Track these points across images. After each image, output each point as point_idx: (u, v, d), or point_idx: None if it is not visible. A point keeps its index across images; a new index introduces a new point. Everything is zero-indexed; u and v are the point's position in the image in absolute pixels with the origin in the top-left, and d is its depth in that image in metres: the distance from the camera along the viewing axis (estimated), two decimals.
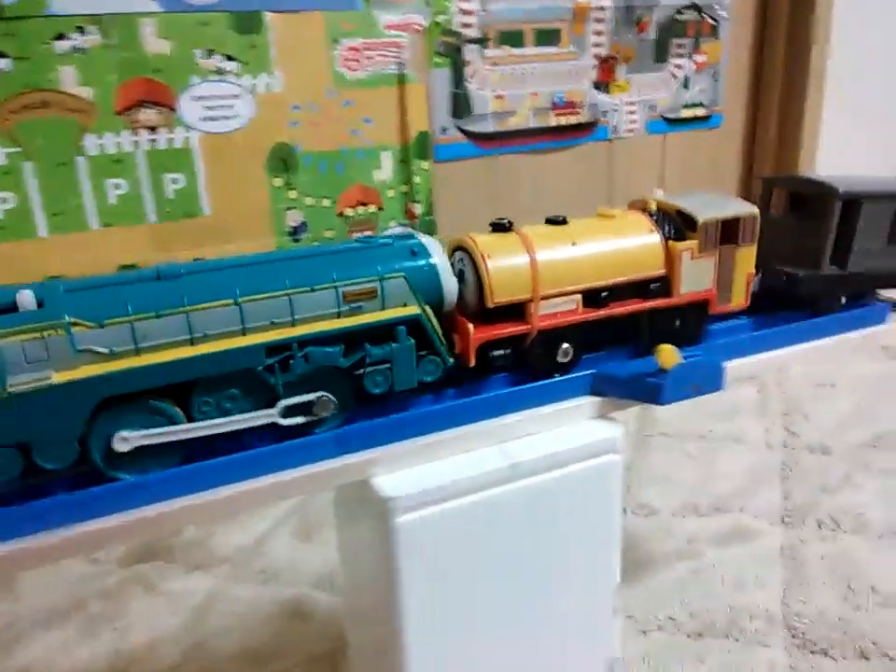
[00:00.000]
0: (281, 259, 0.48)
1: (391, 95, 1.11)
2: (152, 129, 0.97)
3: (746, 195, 1.54)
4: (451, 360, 0.51)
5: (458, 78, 1.16)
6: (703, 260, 0.58)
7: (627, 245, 0.56)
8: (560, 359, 0.54)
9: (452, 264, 0.52)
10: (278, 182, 1.05)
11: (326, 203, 1.10)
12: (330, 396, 0.48)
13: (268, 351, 0.45)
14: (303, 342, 0.46)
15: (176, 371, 0.43)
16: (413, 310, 0.49)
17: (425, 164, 1.15)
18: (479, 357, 0.52)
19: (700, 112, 1.44)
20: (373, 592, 0.50)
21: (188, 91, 0.98)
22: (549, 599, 0.52)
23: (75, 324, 0.41)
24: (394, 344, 0.48)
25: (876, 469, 1.02)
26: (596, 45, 1.27)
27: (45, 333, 0.40)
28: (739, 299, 0.61)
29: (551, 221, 0.56)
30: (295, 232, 1.08)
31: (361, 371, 0.48)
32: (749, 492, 0.99)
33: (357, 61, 1.07)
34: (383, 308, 0.48)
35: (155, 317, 0.43)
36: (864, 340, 0.64)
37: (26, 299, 0.41)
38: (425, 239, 0.52)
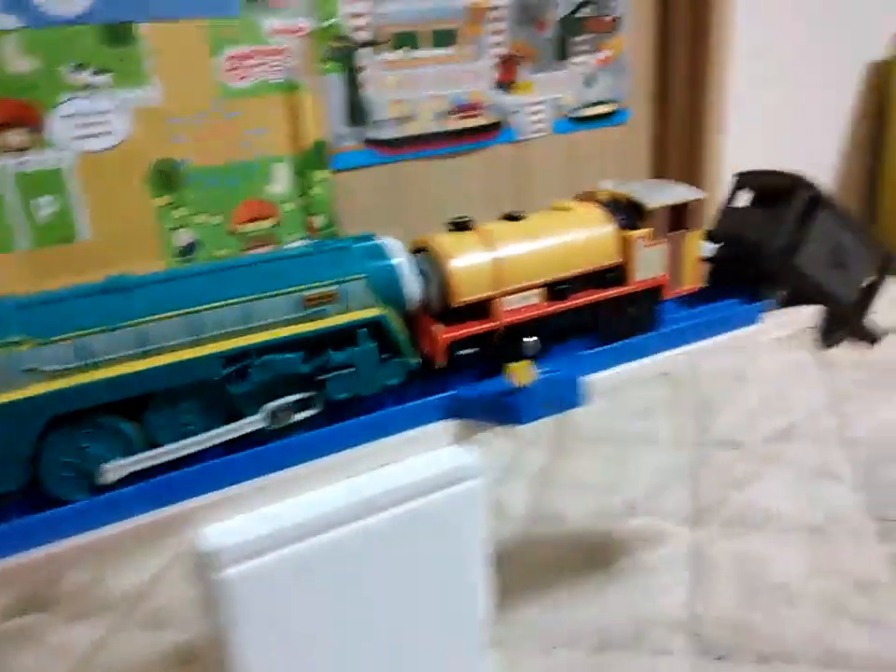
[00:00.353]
0: (237, 266, 0.47)
1: (281, 104, 1.07)
2: (21, 150, 0.92)
3: None
4: (415, 361, 0.51)
5: (353, 84, 1.13)
6: (655, 247, 0.59)
7: (584, 237, 0.57)
8: (527, 353, 0.55)
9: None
10: (163, 200, 1.01)
11: (217, 219, 1.06)
12: (291, 402, 0.47)
13: (225, 361, 0.44)
14: (262, 349, 0.45)
15: (128, 385, 0.42)
16: (374, 312, 0.48)
17: (323, 175, 1.12)
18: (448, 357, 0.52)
19: (606, 109, 1.43)
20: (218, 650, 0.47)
21: (57, 110, 0.93)
22: (411, 641, 0.50)
23: (19, 342, 0.40)
24: (356, 348, 0.48)
25: (785, 462, 1.03)
26: (495, 45, 1.25)
27: None
28: (691, 281, 0.63)
29: (509, 217, 0.57)
30: (185, 253, 1.04)
31: (323, 377, 0.47)
32: (660, 493, 0.98)
33: (242, 69, 1.03)
34: (346, 311, 0.48)
35: (103, 332, 0.42)
36: (737, 341, 0.63)
37: None
38: (385, 240, 0.51)
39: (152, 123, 0.98)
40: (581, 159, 1.41)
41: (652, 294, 0.60)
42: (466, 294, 0.52)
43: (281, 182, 1.09)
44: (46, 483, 0.42)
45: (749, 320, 0.63)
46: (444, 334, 0.52)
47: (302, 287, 0.46)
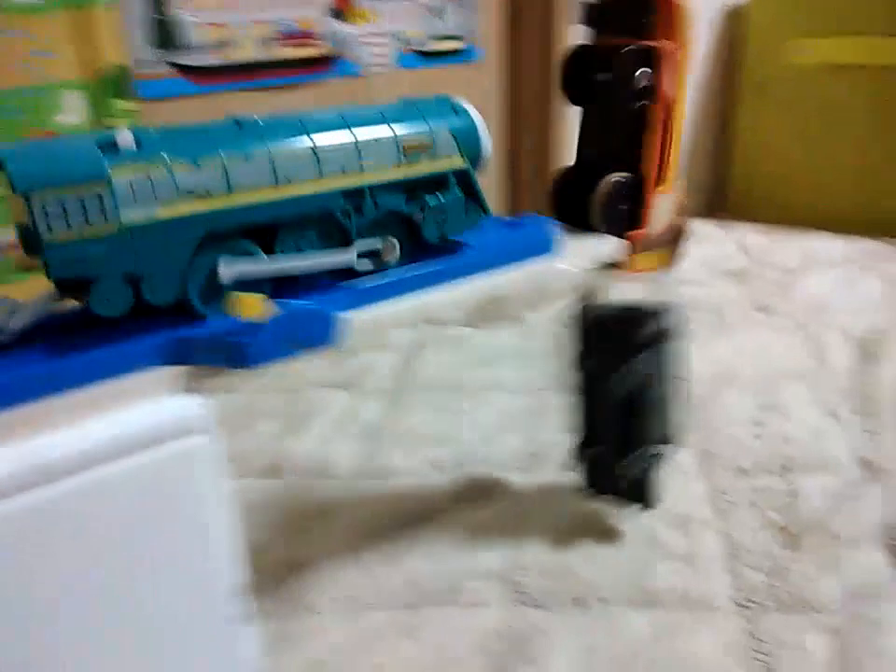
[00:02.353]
0: (344, 116, 0.51)
1: (71, 22, 0.94)
2: None
3: (511, 131, 1.49)
4: (491, 213, 0.57)
5: (159, 2, 1.01)
6: None
7: None
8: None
9: None
10: None
11: None
12: (396, 241, 0.53)
13: (343, 196, 0.50)
14: (373, 188, 0.51)
15: (267, 211, 0.47)
16: (462, 162, 0.55)
17: (128, 105, 1.00)
18: None
19: (456, 45, 1.36)
20: None
21: None
22: (145, 617, 0.42)
23: (175, 164, 0.43)
24: (447, 194, 0.54)
25: None
26: None
27: (149, 171, 0.43)
28: None
29: None
30: None
31: (419, 218, 0.53)
32: (495, 442, 0.95)
33: None
34: (435, 161, 0.53)
35: (244, 160, 0.46)
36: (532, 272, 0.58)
37: (126, 138, 0.43)
38: (462, 101, 0.57)
39: None
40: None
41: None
42: None
43: (73, 112, 0.96)
44: (192, 301, 0.46)
45: (545, 250, 0.58)
46: None
47: (402, 135, 0.52)
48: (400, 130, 0.52)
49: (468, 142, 0.55)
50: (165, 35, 1.02)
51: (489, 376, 1.10)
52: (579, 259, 0.62)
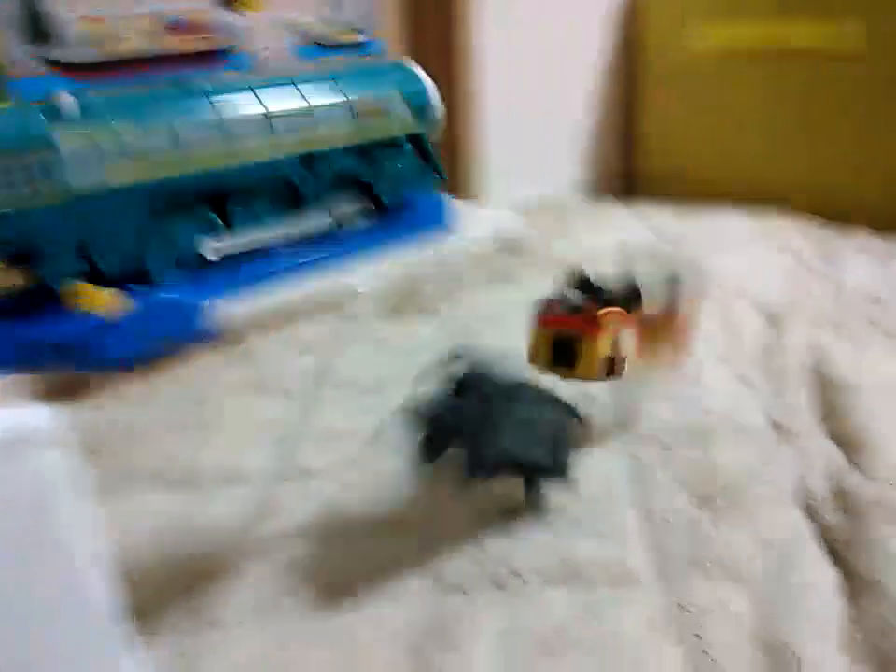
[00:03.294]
0: (295, 81, 0.47)
1: None
2: None
3: None
4: (445, 176, 0.49)
5: None
6: None
7: None
8: None
9: None
10: None
11: None
12: (353, 204, 0.48)
13: (299, 161, 0.47)
14: (328, 153, 0.49)
15: (222, 178, 0.44)
16: (416, 127, 0.52)
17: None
18: None
19: (355, 37, 1.33)
20: None
21: None
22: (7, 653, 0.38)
23: (121, 129, 0.40)
24: (402, 158, 0.52)
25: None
26: None
27: (96, 137, 0.41)
28: None
29: None
30: None
31: (374, 182, 0.49)
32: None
33: None
34: (389, 125, 0.50)
35: (194, 125, 0.43)
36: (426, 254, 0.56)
37: (68, 104, 0.40)
38: (413, 66, 0.49)
39: None
40: None
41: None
42: None
43: None
44: (151, 269, 0.42)
45: (441, 227, 0.56)
46: None
47: (355, 99, 0.48)
48: (354, 94, 0.52)
49: (420, 106, 0.56)
50: (39, 30, 0.96)
51: (406, 368, 1.08)
52: (478, 233, 0.60)
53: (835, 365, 0.97)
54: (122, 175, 0.40)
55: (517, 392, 0.72)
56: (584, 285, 0.80)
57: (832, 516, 0.72)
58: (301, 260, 0.51)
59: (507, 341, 1.12)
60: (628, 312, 0.79)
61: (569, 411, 0.76)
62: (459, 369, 0.71)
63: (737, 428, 0.88)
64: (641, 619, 0.64)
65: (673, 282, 0.85)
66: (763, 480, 0.78)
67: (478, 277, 1.33)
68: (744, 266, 1.37)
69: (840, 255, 1.38)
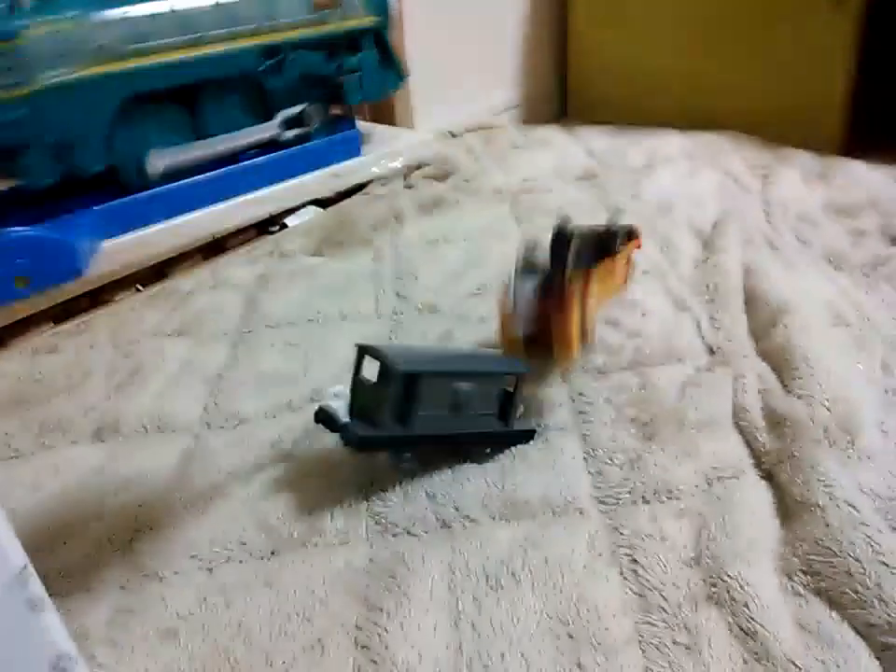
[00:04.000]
0: None
1: None
2: None
3: None
4: (409, 74, 0.50)
5: None
6: None
7: None
8: None
9: None
10: None
11: None
12: (319, 105, 0.52)
13: (261, 54, 0.51)
14: (287, 48, 0.51)
15: (185, 70, 0.49)
16: (374, 20, 0.54)
17: None
18: None
19: None
20: None
21: None
22: None
23: (79, 19, 0.41)
24: (363, 52, 0.55)
25: (475, 319, 0.98)
26: None
27: (59, 28, 0.43)
28: None
29: None
30: None
31: (338, 80, 0.52)
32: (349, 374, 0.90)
33: None
34: (344, 18, 0.53)
35: (150, 17, 0.46)
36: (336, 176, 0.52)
37: None
38: None
39: None
40: None
41: None
42: None
43: None
44: (123, 169, 0.44)
45: (351, 152, 0.52)
46: None
47: None
48: None
49: (374, 1, 0.53)
50: None
51: (341, 306, 1.05)
52: (391, 158, 0.57)
53: (767, 285, 0.98)
54: (86, 66, 0.39)
55: None
56: (553, 250, 0.79)
57: (765, 438, 0.73)
58: (219, 182, 0.47)
59: (444, 275, 1.10)
60: (592, 265, 0.80)
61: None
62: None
63: (673, 352, 0.88)
64: (582, 545, 0.64)
65: (615, 227, 0.87)
66: (699, 402, 0.79)
67: (409, 207, 1.29)
68: (678, 185, 1.36)
69: (773, 173, 1.38)
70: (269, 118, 0.47)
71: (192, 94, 0.44)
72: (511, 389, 0.74)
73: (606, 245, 0.83)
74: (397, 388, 0.66)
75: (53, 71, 0.37)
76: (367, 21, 0.54)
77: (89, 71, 0.39)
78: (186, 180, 0.45)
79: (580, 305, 0.76)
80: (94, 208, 0.41)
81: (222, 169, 0.47)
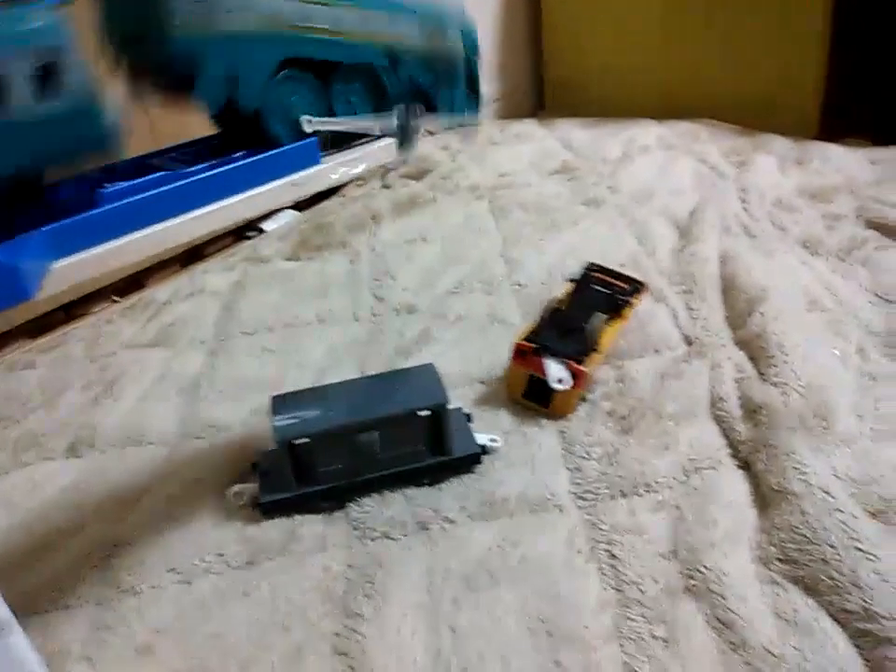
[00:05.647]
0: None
1: None
2: None
3: None
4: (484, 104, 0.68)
5: None
6: None
7: None
8: None
9: None
10: None
11: None
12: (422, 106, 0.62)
13: (384, 54, 0.59)
14: (402, 55, 0.61)
15: (330, 48, 0.55)
16: (464, 52, 0.64)
17: None
18: None
19: None
20: None
21: None
22: None
23: None
24: (457, 79, 0.64)
25: (453, 317, 0.98)
26: None
27: None
28: None
29: None
30: None
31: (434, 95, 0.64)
32: (329, 372, 0.89)
33: None
34: (447, 45, 0.63)
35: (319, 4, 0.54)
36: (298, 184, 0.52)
37: None
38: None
39: None
40: None
41: None
42: None
43: None
44: (268, 120, 0.53)
45: (309, 160, 0.52)
46: None
47: (421, 17, 0.61)
48: (420, 14, 0.61)
49: (469, 40, 0.64)
50: None
51: (318, 310, 1.04)
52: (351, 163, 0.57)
53: (744, 273, 0.98)
54: (260, 24, 0.50)
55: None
56: (560, 321, 0.83)
57: (742, 427, 0.73)
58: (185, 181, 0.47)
59: (422, 274, 1.10)
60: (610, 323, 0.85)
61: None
62: None
63: (650, 343, 0.88)
64: (561, 542, 0.64)
65: (628, 290, 0.91)
66: (677, 396, 0.79)
67: (386, 207, 1.29)
68: (655, 174, 1.36)
69: (749, 159, 1.38)
70: (379, 110, 0.60)
71: (328, 74, 0.57)
72: (438, 416, 0.70)
73: (619, 304, 0.88)
74: (287, 453, 0.67)
75: (235, 20, 0.49)
76: (461, 52, 0.65)
77: (262, 27, 0.51)
78: (134, 198, 0.44)
79: (586, 381, 0.78)
80: (42, 229, 0.40)
81: (174, 184, 0.46)
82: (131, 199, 0.44)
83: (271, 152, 0.52)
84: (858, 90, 1.51)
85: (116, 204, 0.43)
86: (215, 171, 0.48)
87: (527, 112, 1.86)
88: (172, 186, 0.46)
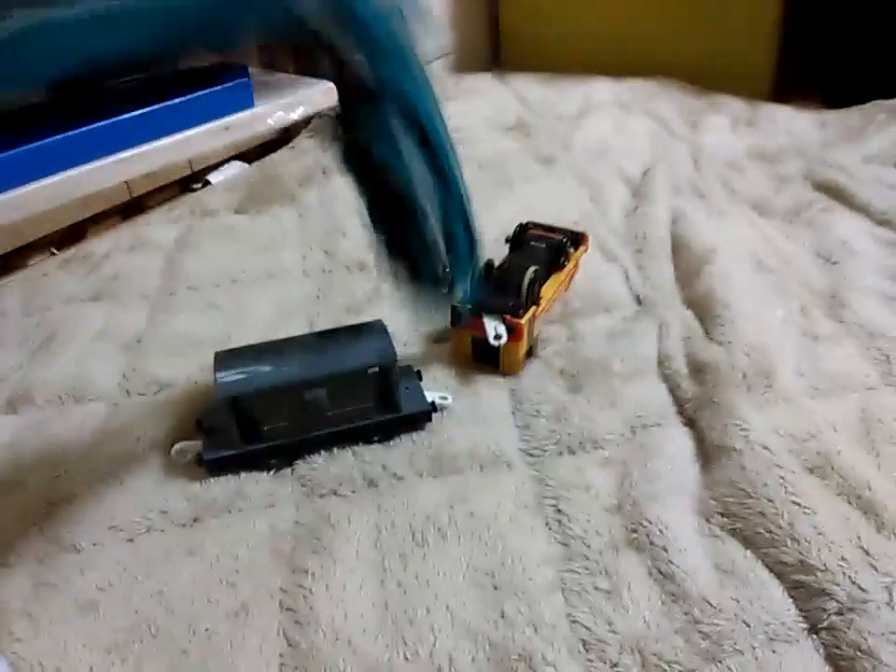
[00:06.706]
0: None
1: None
2: None
3: None
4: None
5: None
6: None
7: None
8: None
9: None
10: None
11: None
12: None
13: None
14: None
15: None
16: None
17: None
18: None
19: None
20: None
21: None
22: None
23: None
24: None
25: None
26: None
27: None
28: None
29: None
30: None
31: None
32: (278, 330, 0.88)
33: None
34: None
35: None
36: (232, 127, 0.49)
37: None
38: None
39: None
40: None
41: None
42: None
43: None
44: None
45: (241, 102, 0.50)
46: None
47: None
48: None
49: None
50: None
51: (267, 265, 1.02)
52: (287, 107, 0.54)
53: (694, 233, 0.99)
54: None
55: None
56: (497, 279, 0.80)
57: (688, 385, 0.74)
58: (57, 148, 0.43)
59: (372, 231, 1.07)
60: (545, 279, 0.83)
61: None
62: None
63: (600, 303, 0.88)
64: (509, 498, 0.65)
65: (566, 239, 0.88)
66: (626, 354, 0.79)
67: (335, 160, 1.26)
68: (609, 133, 1.36)
69: (702, 120, 1.38)
70: None
71: None
72: (387, 373, 0.69)
73: (557, 256, 0.86)
74: (230, 410, 0.66)
75: None
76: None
77: None
78: (46, 140, 0.41)
79: (529, 332, 0.77)
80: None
81: (90, 126, 0.43)
82: (39, 142, 0.42)
83: (199, 93, 0.49)
84: (812, 45, 1.52)
85: (30, 146, 0.41)
86: (137, 112, 0.45)
87: (482, 66, 1.82)
88: (89, 127, 0.43)
